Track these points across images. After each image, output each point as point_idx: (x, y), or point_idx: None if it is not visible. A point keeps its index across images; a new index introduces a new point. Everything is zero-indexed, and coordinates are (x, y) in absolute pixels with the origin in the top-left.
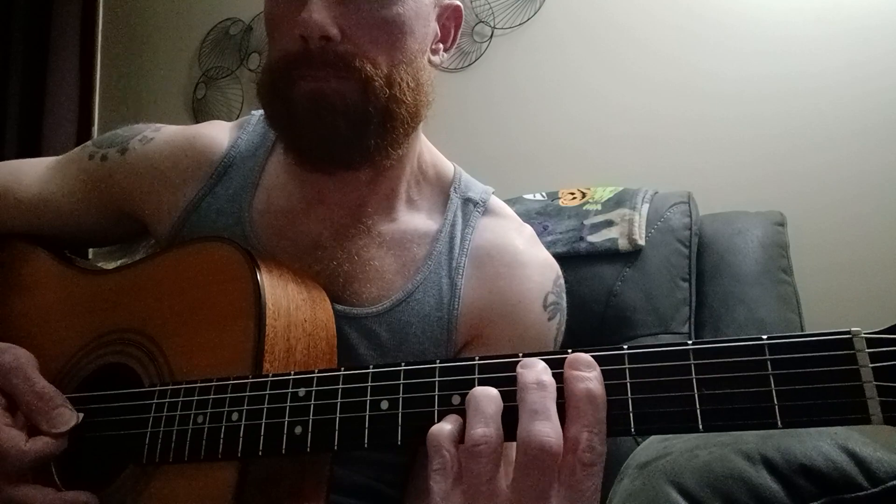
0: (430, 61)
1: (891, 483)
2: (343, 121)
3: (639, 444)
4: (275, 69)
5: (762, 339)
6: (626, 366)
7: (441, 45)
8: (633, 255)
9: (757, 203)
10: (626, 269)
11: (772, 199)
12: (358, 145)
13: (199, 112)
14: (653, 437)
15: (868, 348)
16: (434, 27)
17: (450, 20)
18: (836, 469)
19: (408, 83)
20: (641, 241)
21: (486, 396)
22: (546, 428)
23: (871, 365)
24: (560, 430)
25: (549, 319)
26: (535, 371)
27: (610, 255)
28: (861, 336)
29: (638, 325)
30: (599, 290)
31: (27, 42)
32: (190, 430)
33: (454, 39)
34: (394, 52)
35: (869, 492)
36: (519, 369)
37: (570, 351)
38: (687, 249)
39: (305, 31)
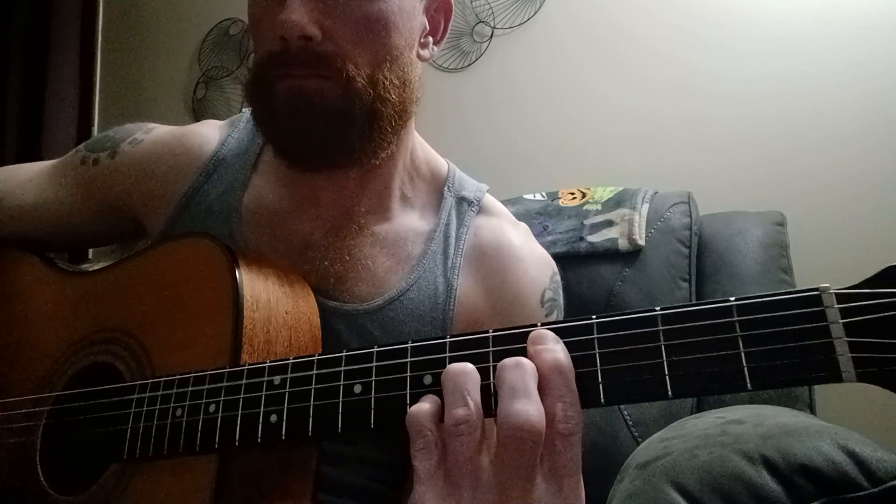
0: (418, 55)
1: (891, 483)
2: (322, 119)
3: (639, 444)
4: (257, 69)
5: (730, 301)
6: (595, 335)
7: (430, 39)
8: (633, 255)
9: (757, 203)
10: (626, 269)
11: (772, 199)
12: (340, 145)
13: (199, 112)
14: (653, 437)
15: (838, 304)
16: (422, 20)
17: (438, 12)
18: (836, 469)
19: (392, 81)
20: (641, 241)
21: (463, 373)
22: (527, 406)
23: (841, 321)
24: (542, 406)
25: (547, 316)
26: (515, 357)
27: (610, 255)
28: (830, 292)
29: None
30: (599, 290)
31: (27, 42)
32: (168, 425)
33: (444, 32)
34: (377, 50)
35: (869, 492)
36: (499, 365)
37: (538, 325)
38: (687, 249)
39: (285, 32)
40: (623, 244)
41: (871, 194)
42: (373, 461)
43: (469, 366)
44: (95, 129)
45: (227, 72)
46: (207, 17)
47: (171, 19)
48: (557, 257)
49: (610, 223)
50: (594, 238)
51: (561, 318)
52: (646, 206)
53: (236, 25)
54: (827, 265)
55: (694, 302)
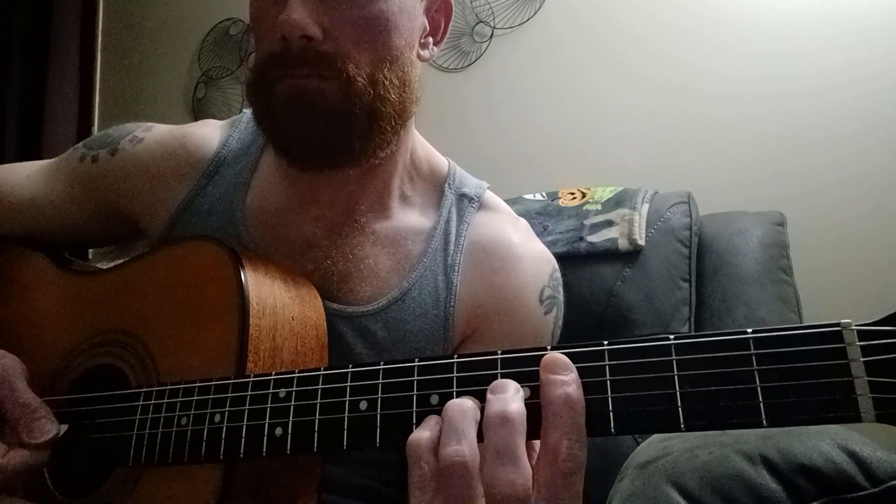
0: (418, 56)
1: (891, 483)
2: (322, 120)
3: (639, 444)
4: (258, 69)
5: (747, 333)
6: (607, 362)
7: (430, 39)
8: (633, 255)
9: (757, 203)
10: (626, 269)
11: (772, 199)
12: (340, 145)
13: (199, 112)
14: (653, 437)
15: (860, 341)
16: (422, 21)
17: (439, 13)
18: (836, 469)
19: (392, 81)
20: (641, 241)
21: (461, 411)
22: (510, 473)
23: (862, 359)
24: (527, 468)
25: (546, 313)
26: (503, 400)
27: (610, 255)
28: (852, 328)
29: (638, 325)
30: (599, 290)
31: (27, 42)
32: (174, 432)
33: (444, 33)
34: (377, 50)
35: (869, 492)
36: (488, 394)
37: (548, 348)
38: (687, 249)
39: (286, 32)
40: (623, 244)
41: (871, 194)
42: (376, 462)
43: (467, 403)
44: (95, 129)
45: (227, 72)
46: (207, 17)
47: (171, 19)
48: (557, 257)
49: (610, 223)
50: (594, 238)
51: (561, 314)
52: (646, 206)
53: (236, 25)
54: (827, 265)
55: (709, 332)
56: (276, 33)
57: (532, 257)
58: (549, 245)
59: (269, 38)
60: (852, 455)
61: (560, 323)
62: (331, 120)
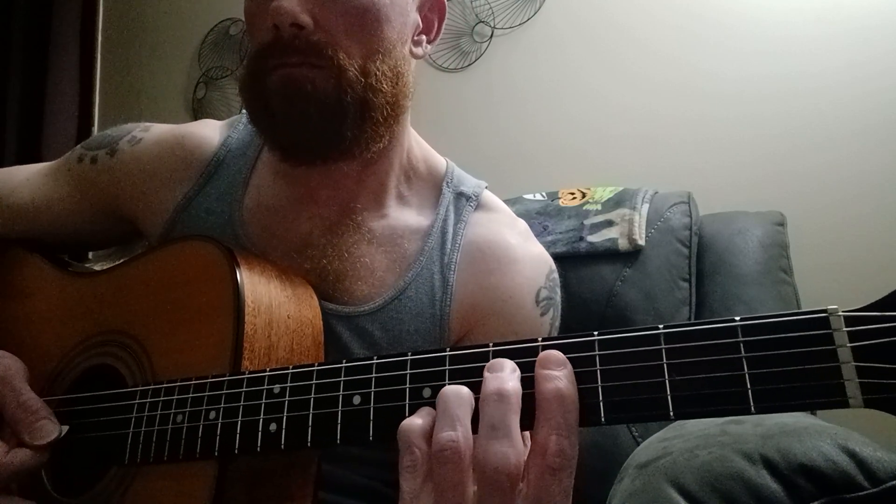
0: (412, 52)
1: (891, 483)
2: (315, 108)
3: (639, 445)
4: (252, 62)
5: (735, 321)
6: (597, 352)
7: (424, 38)
8: (633, 255)
9: (757, 203)
10: (626, 269)
11: (772, 199)
12: (333, 136)
13: (199, 112)
14: (653, 437)
15: (847, 327)
16: (415, 18)
17: (432, 11)
18: (836, 469)
19: (384, 73)
20: (641, 241)
21: (457, 397)
22: (503, 447)
23: (849, 345)
24: (520, 445)
25: (542, 315)
26: (500, 378)
27: (610, 255)
28: (839, 314)
29: (638, 325)
30: (599, 290)
31: (27, 42)
32: (169, 430)
33: (438, 32)
34: (369, 41)
35: (869, 492)
36: (485, 372)
37: (540, 340)
38: (687, 249)
39: (276, 19)
40: (623, 244)
41: (871, 194)
42: (374, 460)
43: (464, 390)
44: (95, 129)
45: (227, 72)
46: (207, 17)
47: (171, 19)
48: (557, 257)
49: (610, 223)
50: (594, 238)
51: (558, 315)
52: (646, 206)
53: (236, 25)
54: (827, 265)
55: (698, 320)
56: (268, 23)
57: (529, 258)
58: (550, 245)
59: (261, 28)
60: (852, 455)
61: (557, 324)
62: (323, 109)
